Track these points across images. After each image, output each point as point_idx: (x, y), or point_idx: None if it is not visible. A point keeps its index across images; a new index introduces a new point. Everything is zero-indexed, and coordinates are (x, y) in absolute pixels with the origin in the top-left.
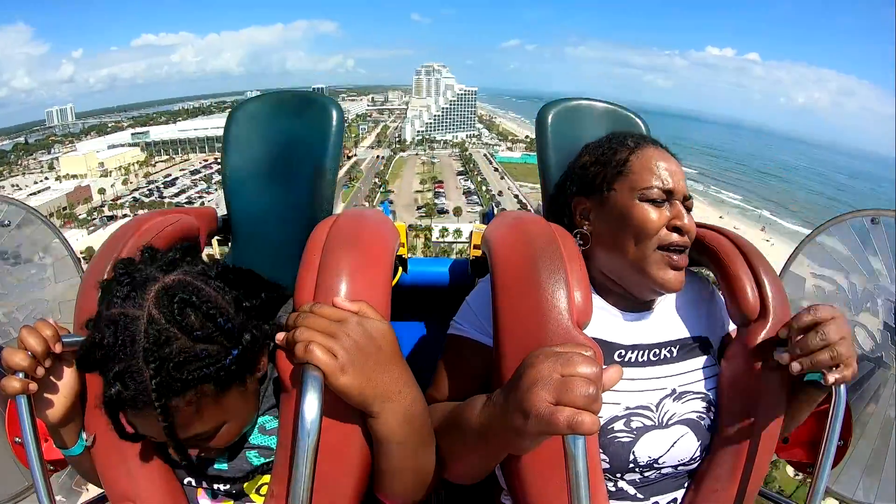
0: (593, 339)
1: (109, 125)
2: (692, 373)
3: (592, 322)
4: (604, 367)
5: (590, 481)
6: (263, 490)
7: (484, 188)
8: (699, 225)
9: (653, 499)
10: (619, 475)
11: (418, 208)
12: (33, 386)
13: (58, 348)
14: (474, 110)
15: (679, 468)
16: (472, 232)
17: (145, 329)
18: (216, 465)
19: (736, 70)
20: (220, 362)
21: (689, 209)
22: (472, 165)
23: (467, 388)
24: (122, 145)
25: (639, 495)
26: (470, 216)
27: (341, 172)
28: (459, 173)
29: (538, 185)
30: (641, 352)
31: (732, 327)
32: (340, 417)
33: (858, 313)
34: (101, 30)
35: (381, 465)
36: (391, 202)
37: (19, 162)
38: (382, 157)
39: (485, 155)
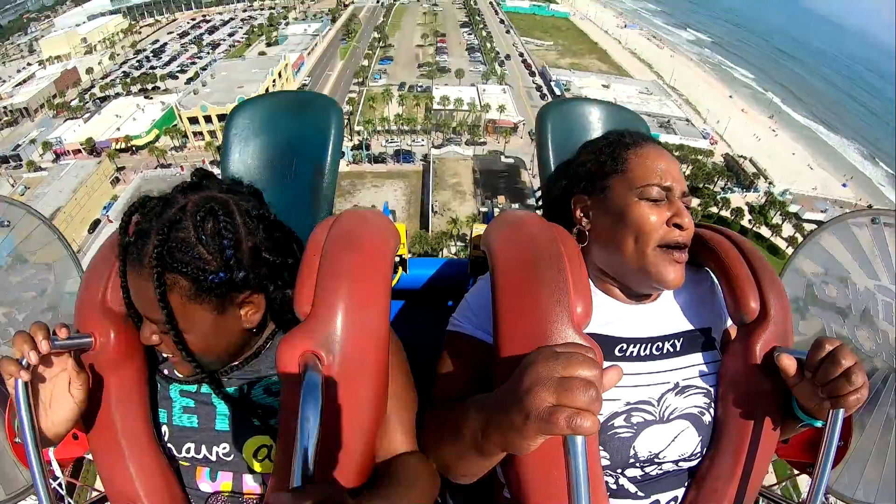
0: (594, 333)
1: None
2: (695, 367)
3: (593, 317)
4: (604, 367)
5: (590, 481)
6: (262, 454)
7: (489, 45)
8: (699, 225)
9: (654, 497)
10: (619, 471)
11: (419, 66)
12: (26, 374)
13: (44, 347)
14: None
15: (680, 463)
16: (471, 232)
17: (174, 211)
18: (217, 426)
19: None
20: (201, 272)
21: (687, 206)
22: (476, 16)
23: (467, 385)
24: (103, 14)
25: (640, 493)
26: (472, 77)
27: (338, 23)
28: (463, 25)
29: (545, 41)
30: (644, 345)
31: (731, 324)
32: (340, 418)
33: (858, 313)
34: None
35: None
36: (391, 60)
37: None
38: (382, 3)
39: (490, 3)
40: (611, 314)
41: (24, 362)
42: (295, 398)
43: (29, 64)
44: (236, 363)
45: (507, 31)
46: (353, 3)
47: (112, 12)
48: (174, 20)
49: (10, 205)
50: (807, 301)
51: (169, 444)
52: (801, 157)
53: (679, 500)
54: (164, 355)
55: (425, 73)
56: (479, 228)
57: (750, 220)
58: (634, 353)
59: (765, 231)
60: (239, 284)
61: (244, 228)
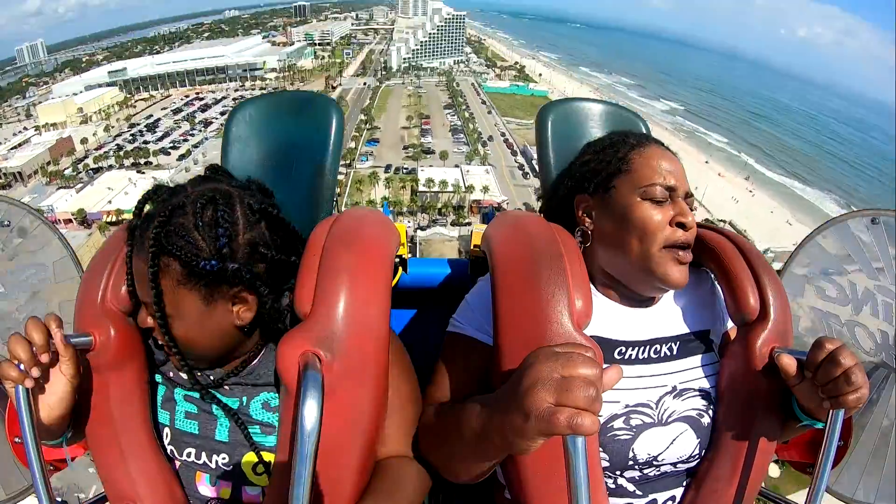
0: (593, 336)
1: (84, 60)
2: (693, 370)
3: (592, 319)
4: (604, 367)
5: (590, 481)
6: (259, 469)
7: (471, 126)
8: (699, 225)
9: (651, 496)
10: (618, 472)
11: (405, 147)
12: (29, 382)
13: (59, 340)
14: (463, 34)
15: (678, 465)
16: (471, 232)
17: (179, 200)
18: (216, 436)
19: None
20: (193, 257)
21: (690, 206)
22: (459, 98)
23: (467, 386)
24: (100, 85)
25: (637, 492)
26: (456, 158)
27: None
28: (447, 107)
29: (525, 121)
30: (642, 348)
31: (731, 324)
32: (340, 418)
33: (858, 313)
34: None
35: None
36: (377, 142)
37: None
38: (368, 86)
39: (472, 84)
40: (610, 317)
41: (22, 367)
42: (295, 397)
43: (25, 128)
44: (233, 370)
45: (489, 112)
46: (340, 85)
47: (109, 84)
48: (168, 96)
49: (10, 205)
50: (807, 301)
51: (171, 447)
52: (779, 214)
53: (677, 500)
54: (164, 352)
55: (410, 155)
56: (480, 229)
57: None
58: (633, 356)
59: None
60: (230, 276)
61: (243, 221)
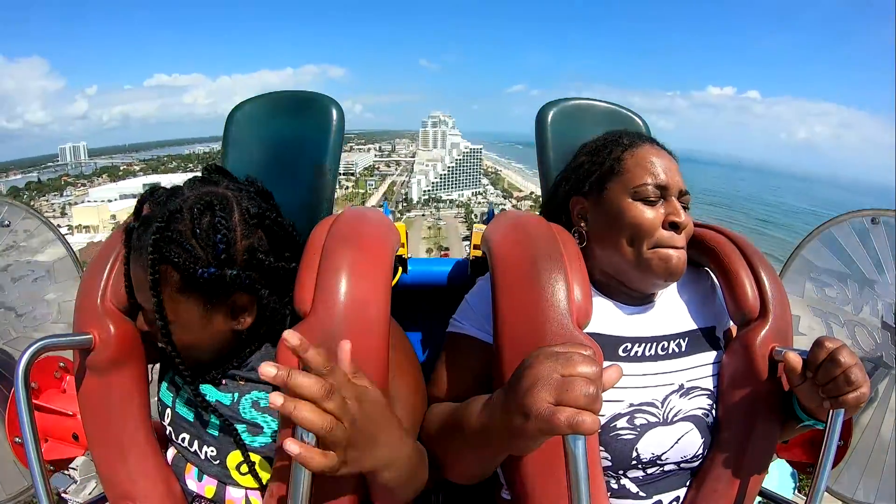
0: (597, 334)
1: (121, 168)
2: (700, 368)
3: (594, 317)
4: (604, 366)
5: (590, 481)
6: (244, 469)
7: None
8: (699, 224)
9: (655, 497)
10: (621, 472)
11: None
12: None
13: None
14: (480, 166)
15: (682, 465)
16: (472, 232)
17: (177, 203)
18: (209, 428)
19: (737, 108)
20: (191, 265)
21: (686, 205)
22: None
23: (467, 386)
24: (134, 196)
25: (641, 493)
26: None
27: None
28: (465, 238)
29: None
30: (648, 345)
31: (732, 324)
32: None
33: (858, 313)
34: (115, 67)
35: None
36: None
37: (31, 203)
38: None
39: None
40: (614, 314)
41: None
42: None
43: (59, 226)
44: (230, 364)
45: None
46: None
47: None
48: None
49: (10, 205)
50: (807, 301)
51: (169, 428)
52: (805, 318)
53: (681, 500)
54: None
55: None
56: (480, 229)
57: None
58: (639, 353)
59: None
60: (228, 283)
61: (241, 227)
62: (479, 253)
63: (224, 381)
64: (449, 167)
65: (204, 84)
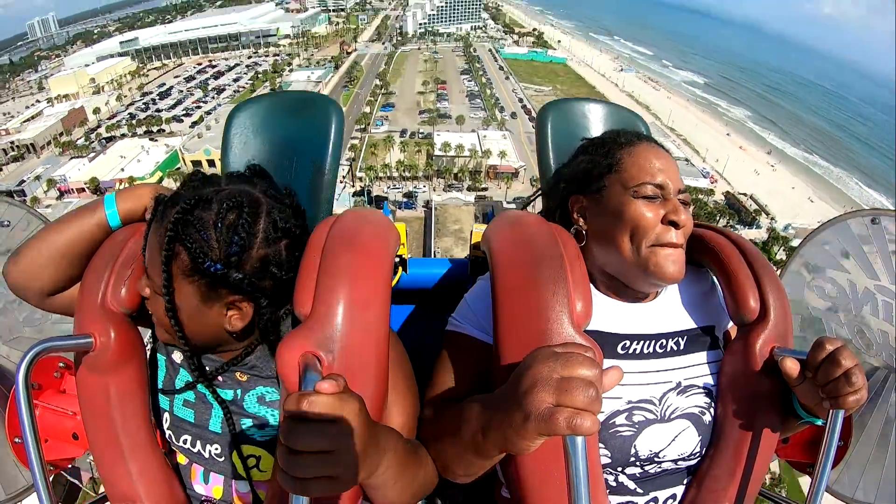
0: (596, 331)
1: (96, 31)
2: (698, 366)
3: (595, 314)
4: (604, 367)
5: (590, 480)
6: (251, 462)
7: (488, 91)
8: (699, 225)
9: (652, 494)
10: (619, 469)
11: (420, 112)
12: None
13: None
14: None
15: (679, 463)
16: (471, 232)
17: (210, 192)
18: (210, 426)
19: None
20: (201, 255)
21: (685, 203)
22: (476, 63)
23: (466, 385)
24: (112, 56)
25: (638, 490)
26: (473, 123)
27: (342, 70)
28: (463, 72)
29: (544, 87)
30: (647, 342)
31: (732, 324)
32: None
33: (858, 313)
34: None
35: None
36: (392, 107)
37: (6, 85)
38: (385, 48)
39: (489, 51)
40: (613, 312)
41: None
42: None
43: (38, 101)
44: (231, 360)
45: (507, 78)
46: (355, 51)
47: (121, 54)
48: (181, 64)
49: (10, 205)
50: (807, 301)
51: (169, 432)
52: (800, 191)
53: (678, 498)
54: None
55: (426, 120)
56: (480, 228)
57: None
58: (637, 351)
59: None
60: (231, 284)
61: (263, 235)
62: (479, 253)
63: (221, 378)
64: None
65: None
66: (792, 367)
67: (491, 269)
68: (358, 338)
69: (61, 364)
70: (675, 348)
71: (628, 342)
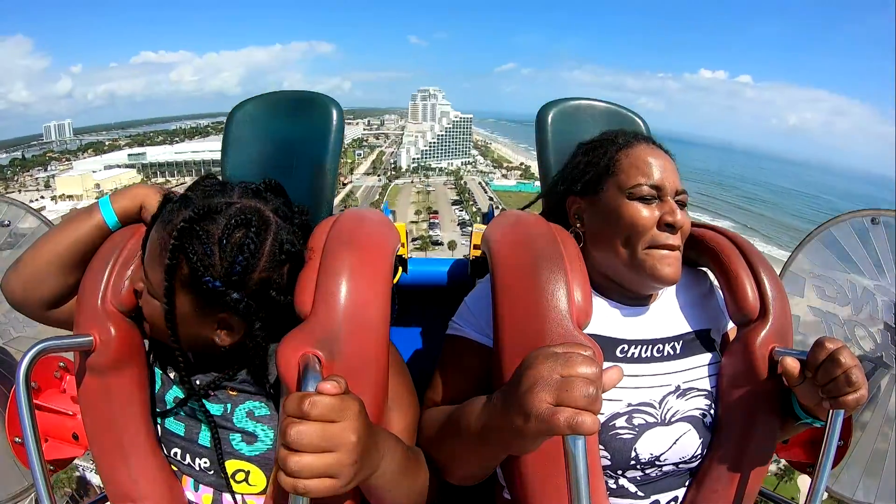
0: (595, 335)
1: (107, 143)
2: (696, 369)
3: (593, 318)
4: (604, 367)
5: (590, 480)
6: (239, 477)
7: (479, 219)
8: (698, 224)
9: (653, 497)
10: (620, 472)
11: (413, 240)
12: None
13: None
14: (469, 137)
15: (680, 465)
16: (472, 232)
17: (220, 203)
18: (199, 440)
19: (728, 92)
20: (202, 270)
21: (682, 204)
22: (467, 195)
23: (466, 389)
24: (119, 166)
25: (640, 493)
26: (463, 249)
27: (336, 200)
28: (454, 203)
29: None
30: (645, 347)
31: (731, 325)
32: None
33: (858, 313)
34: (100, 45)
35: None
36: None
37: (15, 178)
38: (379, 180)
39: (480, 183)
40: (612, 315)
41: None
42: None
43: (42, 197)
44: (224, 375)
45: (497, 207)
46: (351, 182)
47: (128, 166)
48: (183, 182)
49: (9, 205)
50: (807, 300)
51: (161, 443)
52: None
53: (679, 501)
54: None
55: (418, 247)
56: (480, 229)
57: None
58: (636, 355)
59: None
60: (228, 303)
61: (267, 258)
62: (479, 253)
63: (213, 393)
64: (439, 135)
65: (191, 61)
66: (792, 366)
67: (491, 269)
68: (358, 338)
69: (61, 364)
70: (672, 352)
71: (626, 346)
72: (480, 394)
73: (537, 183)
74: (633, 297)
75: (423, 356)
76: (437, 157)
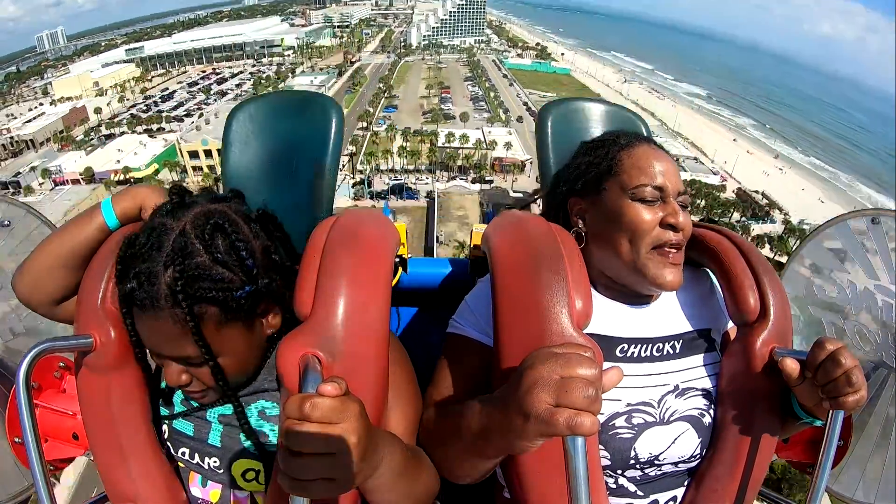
0: (595, 334)
1: (103, 44)
2: (695, 369)
3: (594, 317)
4: (604, 367)
5: (590, 480)
6: (249, 475)
7: (492, 94)
8: (699, 224)
9: (652, 496)
10: (619, 472)
11: (424, 113)
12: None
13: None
14: (483, 15)
15: (679, 465)
16: (472, 232)
17: (174, 239)
18: (209, 440)
19: None
20: (230, 290)
21: (684, 205)
22: (480, 71)
23: (466, 388)
24: (117, 62)
25: (639, 493)
26: (476, 122)
27: (344, 77)
28: (467, 79)
29: (548, 94)
30: (644, 346)
31: (731, 325)
32: None
33: (858, 313)
34: None
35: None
36: (395, 108)
37: (12, 91)
38: (388, 57)
39: (493, 61)
40: (611, 315)
41: None
42: None
43: (41, 104)
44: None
45: (511, 85)
46: (359, 60)
47: (126, 61)
48: (184, 72)
49: (9, 205)
50: (807, 301)
51: (168, 443)
52: (810, 193)
53: (678, 500)
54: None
55: (429, 119)
56: (480, 229)
57: (772, 249)
58: (635, 354)
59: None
60: (263, 293)
61: (252, 234)
62: (479, 253)
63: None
64: (451, 12)
65: None
66: (792, 367)
67: (491, 269)
68: (358, 338)
69: (61, 364)
70: (671, 352)
71: (626, 345)
72: (480, 393)
73: (554, 63)
74: (634, 297)
75: (423, 356)
76: (449, 35)
